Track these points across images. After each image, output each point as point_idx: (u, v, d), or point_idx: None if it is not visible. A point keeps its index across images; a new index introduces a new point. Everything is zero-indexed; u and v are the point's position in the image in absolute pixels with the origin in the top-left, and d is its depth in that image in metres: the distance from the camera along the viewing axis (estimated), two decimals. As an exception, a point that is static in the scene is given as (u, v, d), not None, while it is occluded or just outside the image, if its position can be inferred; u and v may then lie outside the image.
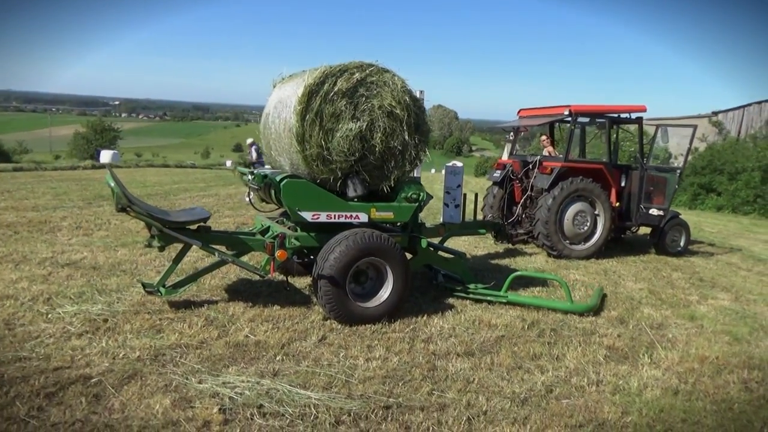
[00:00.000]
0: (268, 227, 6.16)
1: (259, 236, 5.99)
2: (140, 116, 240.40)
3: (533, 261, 9.12)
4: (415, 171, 6.27)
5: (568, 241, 9.51)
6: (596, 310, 6.20)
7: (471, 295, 6.44)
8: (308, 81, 5.23)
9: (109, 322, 5.01)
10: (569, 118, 9.65)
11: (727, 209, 21.20)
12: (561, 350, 5.07)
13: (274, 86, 6.39)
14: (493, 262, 8.86)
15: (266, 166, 6.96)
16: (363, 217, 5.67)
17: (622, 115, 10.15)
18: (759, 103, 25.43)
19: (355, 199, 5.65)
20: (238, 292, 6.21)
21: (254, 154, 17.16)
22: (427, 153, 5.98)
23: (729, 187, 21.41)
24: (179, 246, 5.61)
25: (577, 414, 3.91)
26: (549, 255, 9.48)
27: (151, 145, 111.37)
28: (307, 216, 5.46)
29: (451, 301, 6.39)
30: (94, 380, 3.89)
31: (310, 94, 5.22)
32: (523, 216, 10.28)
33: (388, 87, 5.50)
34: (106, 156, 33.05)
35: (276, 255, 5.25)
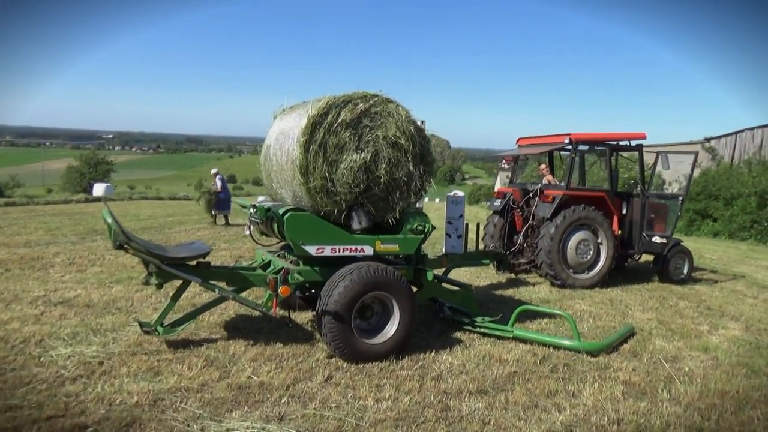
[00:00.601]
0: (269, 261, 5.99)
1: (260, 271, 5.82)
2: (134, 149, 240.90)
3: (537, 291, 8.96)
4: (418, 201, 6.15)
5: (571, 270, 9.37)
6: (610, 348, 5.96)
7: (478, 329, 6.26)
8: (312, 112, 5.13)
9: (105, 365, 4.79)
10: (570, 147, 9.61)
11: (724, 235, 21.15)
12: (576, 386, 4.88)
13: (275, 117, 6.29)
14: (496, 293, 8.68)
15: (266, 198, 6.79)
16: (368, 250, 5.51)
17: (622, 143, 10.14)
18: (751, 129, 25.62)
19: (360, 232, 5.51)
20: (238, 329, 6.01)
21: (218, 184, 16.93)
22: (432, 183, 5.87)
23: (725, 212, 21.40)
24: (177, 283, 5.42)
25: (601, 457, 3.71)
26: (552, 285, 9.31)
27: (144, 178, 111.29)
28: (311, 250, 5.30)
29: (458, 335, 6.20)
30: (90, 430, 3.66)
31: (314, 125, 5.12)
32: (525, 245, 10.16)
33: (392, 117, 5.41)
34: (99, 189, 32.81)
35: (279, 291, 5.06)
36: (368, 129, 5.30)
